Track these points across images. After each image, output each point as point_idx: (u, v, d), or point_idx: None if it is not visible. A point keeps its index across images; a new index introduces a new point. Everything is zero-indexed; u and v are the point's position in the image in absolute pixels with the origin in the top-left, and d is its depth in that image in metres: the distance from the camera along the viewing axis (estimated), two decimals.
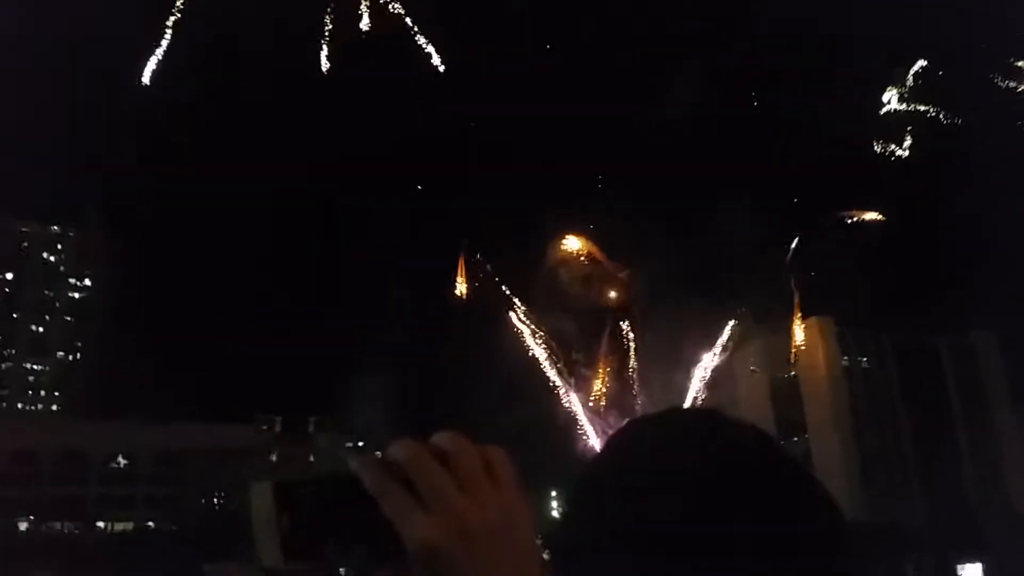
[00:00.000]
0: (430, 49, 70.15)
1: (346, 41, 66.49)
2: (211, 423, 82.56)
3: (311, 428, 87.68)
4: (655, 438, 1.19)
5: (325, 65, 68.53)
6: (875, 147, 78.07)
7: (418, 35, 69.20)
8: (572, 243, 76.04)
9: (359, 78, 76.63)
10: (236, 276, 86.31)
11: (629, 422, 1.32)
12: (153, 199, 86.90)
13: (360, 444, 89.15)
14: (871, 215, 78.43)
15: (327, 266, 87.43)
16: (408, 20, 68.37)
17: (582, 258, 77.36)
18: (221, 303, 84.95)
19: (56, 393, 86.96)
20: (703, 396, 77.98)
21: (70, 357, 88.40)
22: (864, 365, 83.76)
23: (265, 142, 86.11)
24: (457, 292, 75.88)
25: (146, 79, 65.04)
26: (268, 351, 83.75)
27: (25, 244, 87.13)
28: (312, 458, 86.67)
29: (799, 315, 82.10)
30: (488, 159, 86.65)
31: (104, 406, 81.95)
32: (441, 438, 1.00)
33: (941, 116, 77.53)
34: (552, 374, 76.40)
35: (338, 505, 0.96)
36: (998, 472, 77.01)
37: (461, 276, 75.59)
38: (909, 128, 77.17)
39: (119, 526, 77.23)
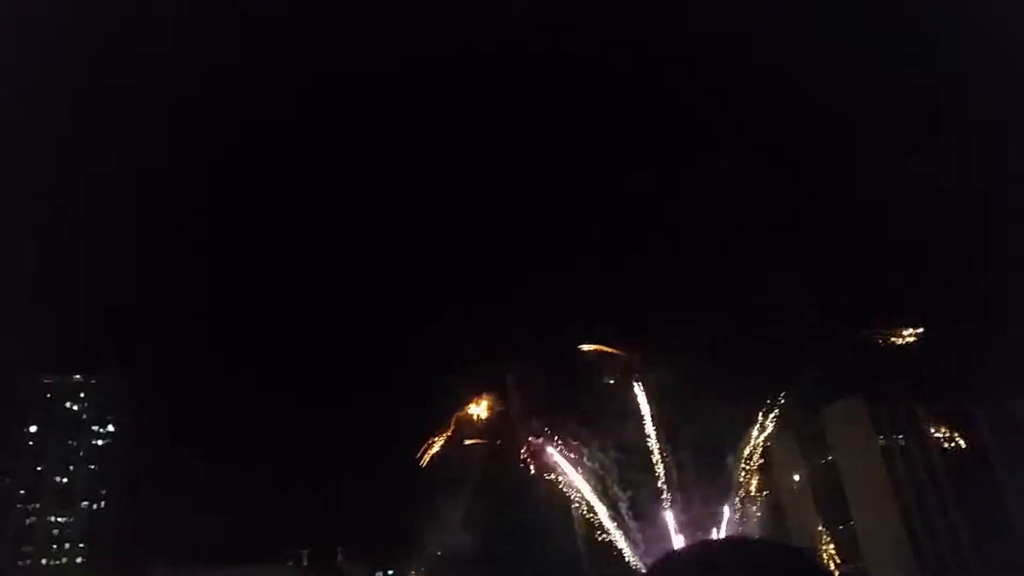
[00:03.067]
0: None
1: None
2: (237, 563, 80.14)
3: (340, 559, 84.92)
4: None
5: None
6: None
7: None
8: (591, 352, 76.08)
9: None
10: (256, 410, 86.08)
11: (667, 557, 1.59)
12: (173, 340, 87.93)
13: (390, 573, 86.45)
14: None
15: (351, 399, 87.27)
16: None
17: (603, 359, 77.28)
18: (242, 437, 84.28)
19: (81, 545, 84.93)
20: (744, 488, 76.21)
21: (94, 506, 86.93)
22: (901, 442, 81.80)
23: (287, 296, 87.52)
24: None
25: None
26: (292, 483, 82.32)
27: (49, 395, 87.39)
28: None
29: (830, 398, 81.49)
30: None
31: (130, 554, 79.88)
32: None
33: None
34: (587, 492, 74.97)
35: None
36: None
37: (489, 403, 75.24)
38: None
39: None
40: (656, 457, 73.54)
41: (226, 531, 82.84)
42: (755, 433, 79.72)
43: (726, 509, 75.86)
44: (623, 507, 71.56)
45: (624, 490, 72.74)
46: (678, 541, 72.74)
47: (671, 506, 73.51)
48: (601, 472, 71.67)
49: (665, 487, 73.10)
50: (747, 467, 78.65)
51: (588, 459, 71.63)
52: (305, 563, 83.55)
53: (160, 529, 79.24)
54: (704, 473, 74.13)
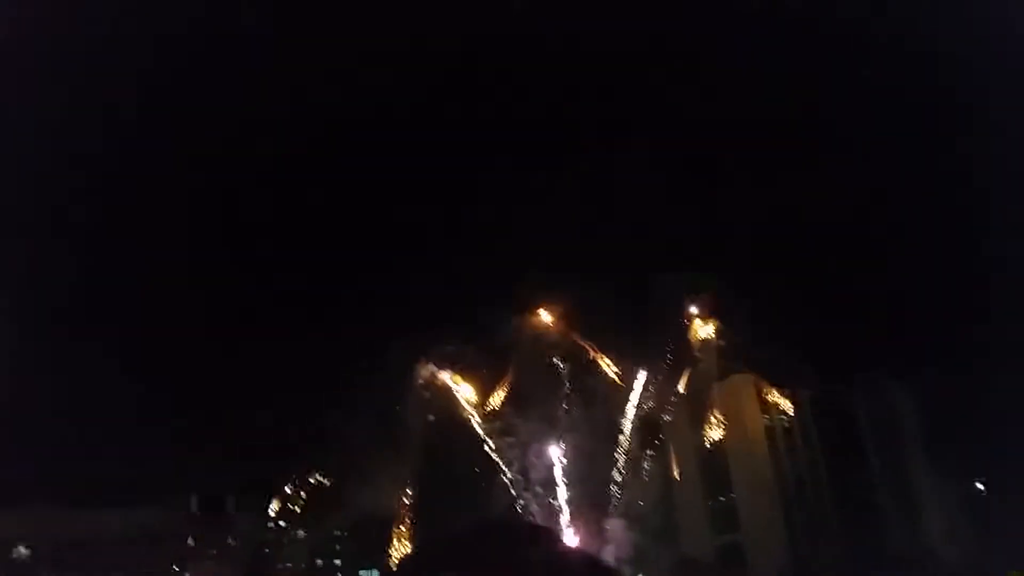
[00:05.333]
0: None
1: None
2: (121, 507, 77.16)
3: (230, 508, 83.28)
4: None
5: None
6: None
7: None
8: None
9: None
10: (143, 348, 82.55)
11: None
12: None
13: (282, 524, 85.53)
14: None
15: (250, 343, 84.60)
16: None
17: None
18: (127, 375, 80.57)
19: None
20: (634, 457, 79.40)
21: None
22: (785, 423, 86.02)
23: None
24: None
25: None
26: (182, 425, 79.43)
27: None
28: (231, 540, 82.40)
29: (722, 375, 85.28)
30: None
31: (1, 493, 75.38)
32: None
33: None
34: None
35: None
36: (915, 522, 79.85)
37: None
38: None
39: None
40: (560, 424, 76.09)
41: (99, 470, 78.04)
42: (648, 404, 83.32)
43: (615, 475, 79.26)
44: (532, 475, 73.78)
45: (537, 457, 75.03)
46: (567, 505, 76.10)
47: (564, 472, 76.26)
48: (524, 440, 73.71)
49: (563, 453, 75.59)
50: (639, 436, 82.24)
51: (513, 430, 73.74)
52: (194, 509, 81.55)
53: (19, 467, 74.04)
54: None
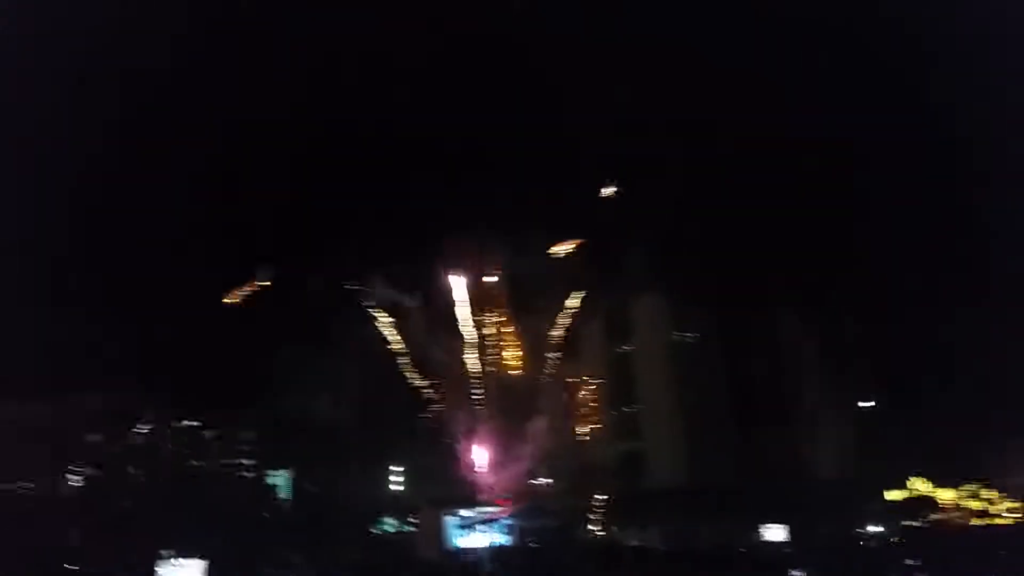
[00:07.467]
0: None
1: None
2: (10, 401, 72.72)
3: (136, 406, 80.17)
4: None
5: None
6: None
7: None
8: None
9: None
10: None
11: None
12: None
13: (192, 424, 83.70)
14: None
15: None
16: None
17: None
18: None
19: None
20: (551, 369, 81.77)
21: None
22: (689, 339, 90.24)
23: None
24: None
25: None
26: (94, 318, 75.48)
27: None
28: (136, 439, 79.97)
29: (636, 295, 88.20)
30: None
31: None
32: None
33: None
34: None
35: None
36: (805, 438, 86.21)
37: None
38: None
39: None
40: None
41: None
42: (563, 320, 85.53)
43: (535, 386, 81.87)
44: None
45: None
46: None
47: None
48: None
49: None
50: (555, 351, 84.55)
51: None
52: (96, 406, 78.00)
53: None
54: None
